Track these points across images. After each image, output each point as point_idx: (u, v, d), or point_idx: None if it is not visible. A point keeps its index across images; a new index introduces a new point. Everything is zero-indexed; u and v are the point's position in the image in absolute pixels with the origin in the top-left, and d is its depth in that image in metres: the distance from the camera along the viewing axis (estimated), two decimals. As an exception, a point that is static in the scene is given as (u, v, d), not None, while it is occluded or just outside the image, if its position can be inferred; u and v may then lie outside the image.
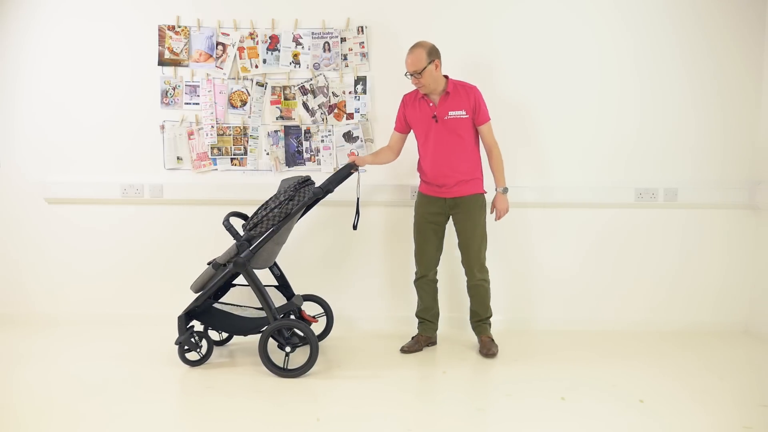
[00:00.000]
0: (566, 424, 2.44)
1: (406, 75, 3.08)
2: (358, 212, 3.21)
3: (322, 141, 3.63)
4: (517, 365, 3.08)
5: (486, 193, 3.23)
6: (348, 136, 3.63)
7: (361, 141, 3.62)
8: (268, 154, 3.65)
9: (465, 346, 3.37)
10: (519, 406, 2.60)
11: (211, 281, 3.01)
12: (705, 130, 3.58)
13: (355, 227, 3.21)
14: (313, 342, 2.89)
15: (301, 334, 3.01)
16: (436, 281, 3.33)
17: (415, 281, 3.33)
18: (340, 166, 3.37)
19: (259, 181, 3.65)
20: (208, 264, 3.07)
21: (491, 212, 3.23)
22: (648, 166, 3.60)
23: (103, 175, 3.67)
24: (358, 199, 3.20)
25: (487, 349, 3.21)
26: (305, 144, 3.64)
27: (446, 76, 3.15)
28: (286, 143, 3.65)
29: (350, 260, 3.67)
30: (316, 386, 2.81)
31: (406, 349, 3.26)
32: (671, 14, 3.52)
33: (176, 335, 3.00)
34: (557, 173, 3.62)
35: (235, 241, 2.96)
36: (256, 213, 3.01)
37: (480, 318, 3.29)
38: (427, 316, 3.33)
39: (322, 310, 3.39)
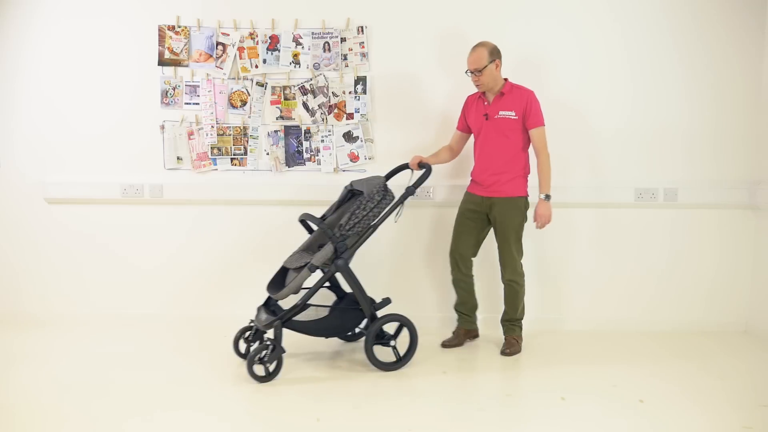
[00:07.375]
0: (566, 424, 2.44)
1: (466, 72, 3.12)
2: (402, 205, 3.13)
3: (322, 141, 3.63)
4: (517, 365, 3.08)
5: (528, 196, 3.23)
6: (348, 136, 3.63)
7: (361, 141, 3.62)
8: (268, 154, 3.65)
9: (466, 346, 3.38)
10: (519, 406, 2.61)
11: (302, 283, 2.88)
12: (705, 130, 3.57)
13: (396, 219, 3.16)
14: (413, 332, 3.01)
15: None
16: (470, 276, 3.32)
17: (451, 273, 3.34)
18: (420, 172, 3.18)
19: (259, 181, 3.65)
20: (294, 268, 2.95)
21: (534, 220, 3.17)
22: (648, 166, 3.60)
23: (103, 175, 3.66)
24: (407, 195, 3.08)
25: (507, 346, 3.24)
26: (305, 144, 3.64)
27: (506, 79, 3.19)
28: (286, 143, 3.65)
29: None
30: (316, 386, 2.81)
31: (447, 344, 3.31)
32: (669, 14, 3.51)
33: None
34: (556, 173, 3.60)
35: (330, 243, 2.90)
36: (352, 214, 2.90)
37: (507, 318, 3.31)
38: (463, 309, 3.37)
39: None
